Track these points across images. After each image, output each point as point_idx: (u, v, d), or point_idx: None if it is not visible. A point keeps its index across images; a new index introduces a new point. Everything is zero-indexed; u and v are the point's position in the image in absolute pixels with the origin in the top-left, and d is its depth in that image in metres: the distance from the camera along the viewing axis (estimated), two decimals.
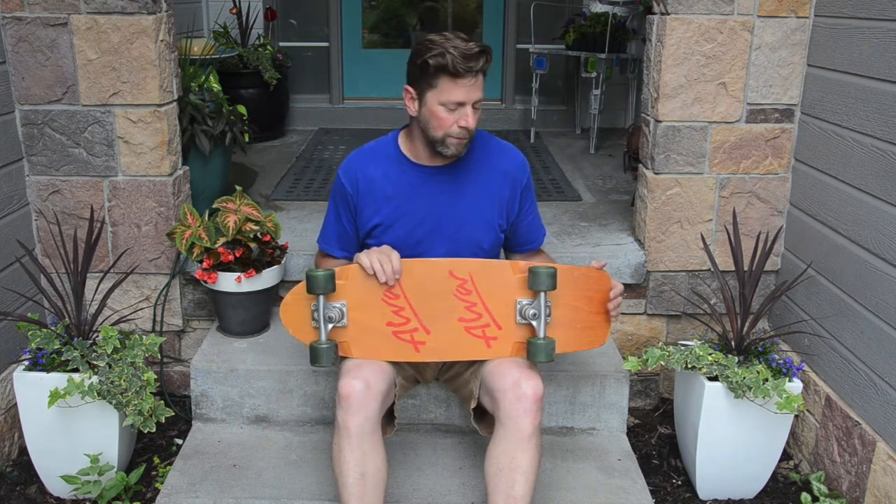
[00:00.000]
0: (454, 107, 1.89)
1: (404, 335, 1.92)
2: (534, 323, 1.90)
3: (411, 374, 2.13)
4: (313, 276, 1.85)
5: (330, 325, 1.89)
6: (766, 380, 2.12)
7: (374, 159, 2.09)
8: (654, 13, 2.55)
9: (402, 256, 1.95)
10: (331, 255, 2.18)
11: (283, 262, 2.56)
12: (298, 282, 2.60)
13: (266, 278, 2.48)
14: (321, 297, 1.86)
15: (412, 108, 1.97)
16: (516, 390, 1.84)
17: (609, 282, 2.01)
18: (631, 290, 2.72)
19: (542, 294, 1.88)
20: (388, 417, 2.01)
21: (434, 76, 1.88)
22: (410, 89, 1.96)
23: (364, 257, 1.91)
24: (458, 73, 1.85)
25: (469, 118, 1.90)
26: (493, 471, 1.85)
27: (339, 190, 2.11)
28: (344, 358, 1.95)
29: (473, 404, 2.00)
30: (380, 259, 1.89)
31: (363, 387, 1.82)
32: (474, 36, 5.77)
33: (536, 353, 1.88)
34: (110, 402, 2.11)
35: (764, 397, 2.11)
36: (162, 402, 2.20)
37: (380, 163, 2.08)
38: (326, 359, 1.87)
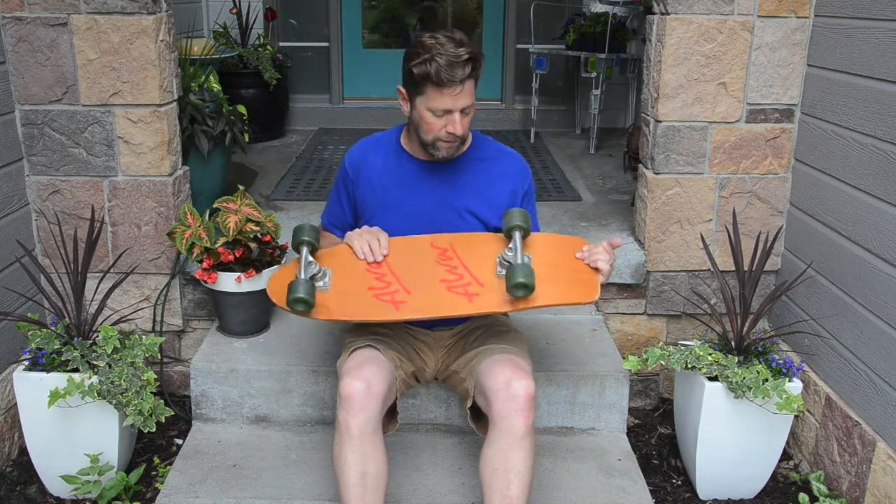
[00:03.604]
0: (441, 113, 1.91)
1: (385, 296, 1.91)
2: (511, 260, 1.85)
3: (412, 372, 2.13)
4: (299, 226, 1.97)
5: (312, 272, 1.92)
6: (766, 380, 2.12)
7: (378, 149, 2.13)
8: (654, 13, 2.55)
9: None
10: (329, 231, 2.24)
11: (283, 262, 2.56)
12: None
13: (266, 278, 2.48)
14: (305, 248, 1.95)
15: (405, 108, 2.00)
16: (508, 390, 1.83)
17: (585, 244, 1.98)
18: (631, 290, 2.72)
19: (517, 233, 1.87)
20: (390, 414, 2.02)
21: (420, 83, 1.89)
22: (402, 91, 1.98)
23: (355, 241, 1.99)
24: (442, 83, 1.85)
25: (457, 125, 1.91)
26: (488, 472, 1.85)
27: (342, 173, 2.17)
28: (345, 347, 2.01)
29: (469, 403, 2.01)
30: (369, 241, 1.98)
31: (364, 387, 1.82)
32: (474, 36, 5.74)
33: (515, 275, 1.78)
34: (110, 402, 2.11)
35: (764, 397, 2.11)
36: (162, 401, 2.20)
37: (381, 153, 2.12)
38: (304, 289, 1.83)
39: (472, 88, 1.91)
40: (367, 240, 1.98)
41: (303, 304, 1.84)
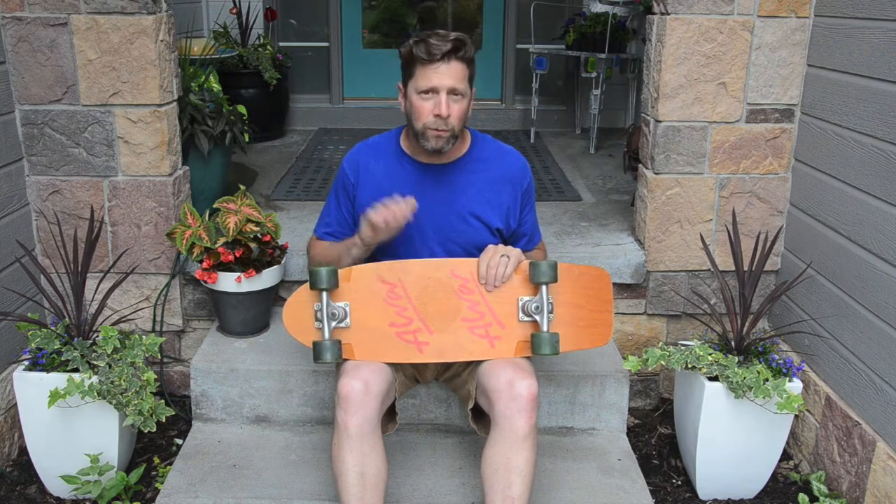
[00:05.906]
0: (428, 94, 1.91)
1: (407, 336, 1.92)
2: (537, 317, 1.90)
3: (411, 373, 2.13)
4: (317, 272, 1.86)
5: (334, 323, 1.89)
6: (767, 380, 2.12)
7: (377, 153, 2.12)
8: (654, 13, 2.55)
9: (396, 253, 2.01)
10: (326, 241, 2.18)
11: (283, 262, 2.56)
12: (298, 282, 2.62)
13: (266, 278, 2.48)
14: (325, 294, 1.87)
15: (403, 104, 2.01)
16: (511, 390, 1.83)
17: (609, 280, 2.02)
18: (631, 290, 2.72)
19: (544, 287, 1.89)
20: (390, 414, 2.02)
21: (410, 65, 1.93)
22: (400, 85, 2.01)
23: (379, 224, 1.89)
24: (427, 58, 1.88)
25: (442, 105, 1.90)
26: (489, 471, 1.85)
27: (341, 178, 2.14)
28: (345, 359, 1.96)
29: (470, 404, 2.00)
30: (385, 215, 1.88)
31: (362, 387, 1.82)
32: (474, 36, 5.73)
33: (541, 346, 1.88)
34: (110, 402, 2.11)
35: (764, 397, 2.11)
36: (162, 401, 2.20)
37: (381, 156, 2.11)
38: (331, 354, 1.86)
39: (460, 72, 1.91)
40: (383, 215, 1.88)
41: (330, 363, 1.91)
